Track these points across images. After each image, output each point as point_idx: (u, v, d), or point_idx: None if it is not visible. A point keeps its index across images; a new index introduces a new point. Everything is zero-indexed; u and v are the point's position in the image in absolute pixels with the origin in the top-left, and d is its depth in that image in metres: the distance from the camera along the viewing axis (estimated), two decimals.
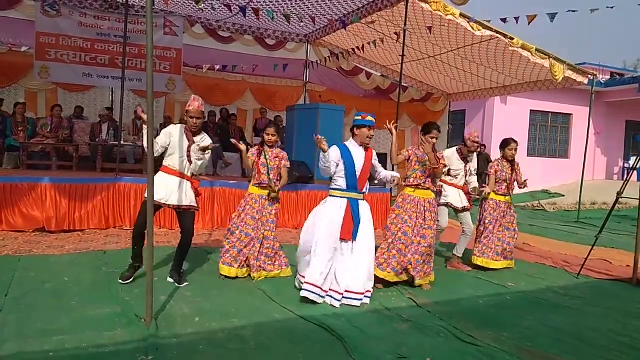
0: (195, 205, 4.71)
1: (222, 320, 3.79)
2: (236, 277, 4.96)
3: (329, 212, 4.44)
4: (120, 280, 4.60)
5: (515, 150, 5.92)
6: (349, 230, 4.39)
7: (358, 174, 4.49)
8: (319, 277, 4.28)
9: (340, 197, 4.49)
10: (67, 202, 6.99)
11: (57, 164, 8.81)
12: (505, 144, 5.96)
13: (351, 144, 4.59)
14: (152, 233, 3.69)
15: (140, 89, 10.06)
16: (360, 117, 4.56)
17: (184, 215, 4.66)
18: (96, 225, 7.20)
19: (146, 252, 3.74)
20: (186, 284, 4.71)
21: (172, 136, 4.56)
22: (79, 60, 9.20)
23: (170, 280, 4.72)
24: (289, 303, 4.26)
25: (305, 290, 4.28)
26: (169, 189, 4.53)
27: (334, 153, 4.47)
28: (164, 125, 10.31)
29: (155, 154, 4.17)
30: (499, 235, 5.89)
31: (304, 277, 4.44)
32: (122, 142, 8.46)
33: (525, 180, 5.96)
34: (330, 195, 4.55)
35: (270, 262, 5.12)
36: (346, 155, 4.48)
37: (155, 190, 4.22)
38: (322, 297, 4.29)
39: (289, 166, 5.20)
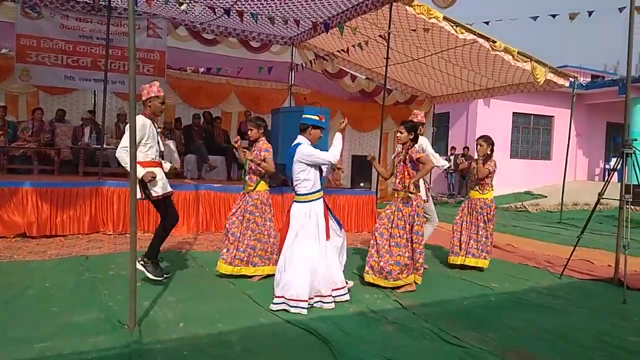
0: None
1: (207, 325, 3.75)
2: (231, 277, 5.06)
3: (312, 216, 4.42)
4: (159, 278, 4.71)
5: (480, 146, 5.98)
6: (328, 230, 4.51)
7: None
8: (306, 289, 4.32)
9: (320, 198, 4.53)
10: (48, 207, 6.89)
11: (39, 168, 8.68)
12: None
13: (306, 142, 4.51)
14: (135, 237, 3.65)
15: (123, 91, 9.96)
16: (317, 117, 4.53)
17: (172, 201, 4.81)
18: (78, 230, 7.10)
19: (128, 257, 3.69)
20: (166, 276, 4.80)
21: (146, 128, 4.55)
22: (61, 63, 9.09)
23: (140, 266, 4.55)
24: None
25: (294, 307, 4.21)
26: (164, 178, 4.71)
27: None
28: None
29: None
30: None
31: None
32: (104, 146, 8.36)
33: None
34: (315, 199, 4.48)
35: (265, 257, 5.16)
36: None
37: (162, 188, 4.61)
38: (305, 308, 4.25)
39: (267, 155, 5.06)
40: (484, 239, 5.92)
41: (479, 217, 5.96)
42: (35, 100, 10.23)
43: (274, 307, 4.19)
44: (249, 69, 11.40)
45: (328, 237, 4.47)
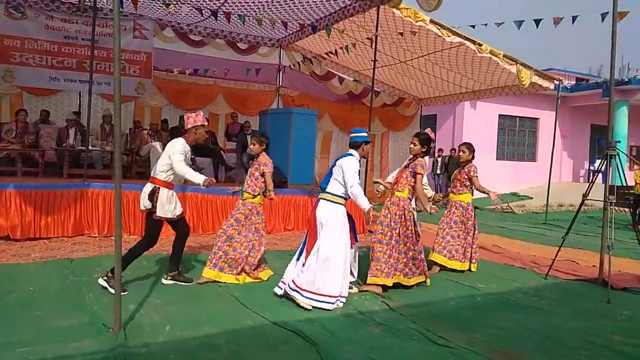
0: None
1: (193, 328, 3.73)
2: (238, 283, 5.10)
3: (341, 220, 4.62)
4: (189, 283, 4.93)
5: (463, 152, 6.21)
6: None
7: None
8: (343, 286, 4.56)
9: (343, 204, 4.69)
10: (32, 209, 6.79)
11: (23, 170, 8.56)
12: None
13: (357, 156, 4.76)
14: (120, 242, 3.61)
15: (108, 92, 9.86)
16: (366, 134, 4.82)
17: (182, 220, 5.02)
18: (63, 232, 7.02)
19: (113, 260, 3.65)
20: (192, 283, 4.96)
21: (187, 152, 4.82)
22: (46, 64, 8.97)
23: (103, 281, 4.62)
24: (262, 309, 4.22)
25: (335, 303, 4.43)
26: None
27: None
28: (133, 130, 10.15)
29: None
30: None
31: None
32: (89, 147, 8.27)
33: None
34: (341, 203, 4.66)
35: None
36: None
37: (177, 207, 4.81)
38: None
39: (265, 170, 5.20)
40: (466, 242, 6.03)
41: (455, 218, 6.06)
42: (19, 102, 10.09)
43: (304, 302, 4.31)
44: (237, 70, 11.36)
45: (353, 242, 4.73)
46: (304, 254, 4.62)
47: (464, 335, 3.82)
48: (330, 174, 4.73)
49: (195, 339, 3.52)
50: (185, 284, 4.94)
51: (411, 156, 5.21)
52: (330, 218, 4.55)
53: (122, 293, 4.61)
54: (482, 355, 3.43)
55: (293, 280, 4.46)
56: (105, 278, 4.58)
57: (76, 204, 7.16)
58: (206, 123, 5.00)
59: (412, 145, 5.18)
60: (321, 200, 4.68)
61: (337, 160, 4.75)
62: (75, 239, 6.95)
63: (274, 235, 8.11)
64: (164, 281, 4.96)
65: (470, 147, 6.19)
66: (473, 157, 6.18)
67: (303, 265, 4.53)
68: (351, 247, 4.70)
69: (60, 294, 4.43)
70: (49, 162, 8.88)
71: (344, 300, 4.47)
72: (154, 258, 5.79)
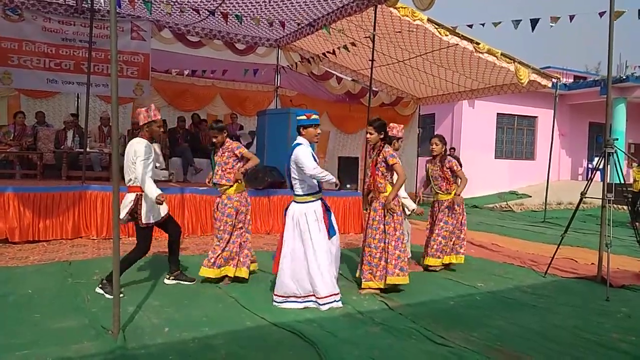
0: None
1: (192, 329, 3.72)
2: (212, 282, 5.05)
3: (313, 215, 4.43)
4: (192, 282, 4.97)
5: (436, 145, 5.94)
6: (327, 230, 4.47)
7: None
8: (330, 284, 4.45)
9: (319, 199, 4.53)
10: (31, 212, 6.79)
11: (21, 173, 8.57)
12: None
13: (306, 143, 4.53)
14: (118, 244, 3.61)
15: (106, 94, 9.87)
16: (305, 117, 4.54)
17: (170, 220, 4.95)
18: (62, 235, 7.02)
19: (111, 262, 3.65)
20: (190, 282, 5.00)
21: (153, 150, 4.68)
22: (43, 66, 8.97)
23: (171, 281, 4.96)
24: (261, 310, 4.22)
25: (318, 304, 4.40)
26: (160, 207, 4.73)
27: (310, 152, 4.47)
28: (131, 132, 10.14)
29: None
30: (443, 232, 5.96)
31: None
32: (88, 149, 8.27)
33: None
34: (311, 201, 4.49)
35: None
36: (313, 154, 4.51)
37: (162, 208, 4.68)
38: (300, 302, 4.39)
39: (243, 150, 5.14)
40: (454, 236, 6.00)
41: (446, 219, 5.97)
42: (17, 104, 10.09)
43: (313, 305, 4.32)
44: (235, 71, 11.36)
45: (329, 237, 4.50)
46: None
47: (463, 334, 3.82)
48: (289, 176, 4.54)
49: (195, 341, 3.52)
50: (188, 282, 4.97)
51: (372, 148, 4.96)
52: (301, 220, 4.43)
53: (193, 282, 4.92)
54: (481, 354, 3.43)
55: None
56: (100, 286, 4.56)
57: (75, 206, 7.15)
58: (159, 117, 4.69)
59: (368, 135, 4.87)
60: (292, 203, 4.57)
61: (289, 159, 4.50)
62: (73, 242, 6.95)
63: (273, 235, 8.10)
64: (166, 281, 4.98)
65: (442, 139, 5.95)
66: (446, 151, 5.96)
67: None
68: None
69: (59, 297, 4.42)
70: (47, 165, 8.87)
71: (330, 299, 4.37)
72: (150, 260, 5.80)
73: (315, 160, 4.44)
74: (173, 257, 5.01)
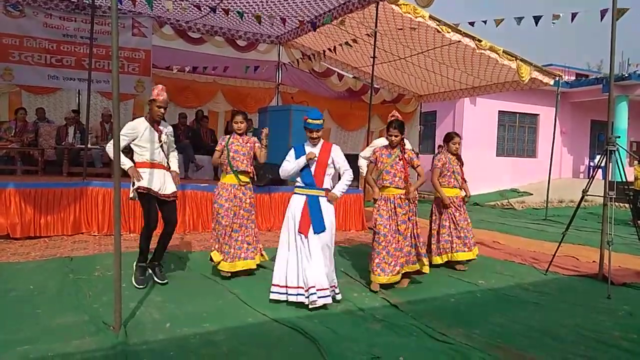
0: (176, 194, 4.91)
1: (193, 325, 3.73)
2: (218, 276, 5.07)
3: (290, 209, 4.54)
4: (138, 286, 4.65)
5: (459, 144, 6.08)
6: (307, 225, 4.39)
7: (313, 171, 4.55)
8: (278, 274, 4.41)
9: (300, 193, 4.56)
10: (32, 208, 6.80)
11: (22, 169, 8.57)
12: (449, 138, 6.06)
13: (307, 144, 4.69)
14: (120, 238, 3.61)
15: (107, 90, 9.87)
16: (305, 119, 4.62)
17: (170, 206, 4.80)
18: (63, 231, 7.03)
19: (113, 258, 3.65)
20: (166, 281, 4.81)
21: (136, 130, 4.60)
22: (44, 62, 8.97)
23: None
24: (262, 306, 4.23)
25: (271, 292, 4.41)
26: (160, 180, 4.68)
27: (291, 153, 4.64)
28: None
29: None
30: (455, 231, 5.94)
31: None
32: (89, 146, 8.27)
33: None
34: (294, 193, 4.63)
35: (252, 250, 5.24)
36: (299, 155, 4.59)
37: (148, 183, 4.54)
38: (282, 293, 4.34)
39: (261, 145, 5.31)
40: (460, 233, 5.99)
41: (445, 216, 6.02)
42: (18, 100, 10.10)
43: (316, 300, 4.22)
44: (236, 67, 11.35)
45: (303, 232, 4.38)
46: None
47: (464, 331, 3.82)
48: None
49: (196, 336, 3.53)
50: (159, 281, 4.81)
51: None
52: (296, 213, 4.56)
53: (164, 281, 4.81)
54: (482, 351, 3.43)
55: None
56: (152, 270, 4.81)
57: (76, 202, 7.16)
58: (160, 97, 4.60)
59: (394, 138, 4.98)
60: None
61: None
62: (75, 238, 6.95)
63: (275, 232, 8.10)
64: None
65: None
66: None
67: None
68: (305, 237, 4.37)
69: (61, 292, 4.43)
70: (48, 161, 8.89)
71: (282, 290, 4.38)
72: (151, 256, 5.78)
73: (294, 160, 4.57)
74: (159, 247, 4.88)
